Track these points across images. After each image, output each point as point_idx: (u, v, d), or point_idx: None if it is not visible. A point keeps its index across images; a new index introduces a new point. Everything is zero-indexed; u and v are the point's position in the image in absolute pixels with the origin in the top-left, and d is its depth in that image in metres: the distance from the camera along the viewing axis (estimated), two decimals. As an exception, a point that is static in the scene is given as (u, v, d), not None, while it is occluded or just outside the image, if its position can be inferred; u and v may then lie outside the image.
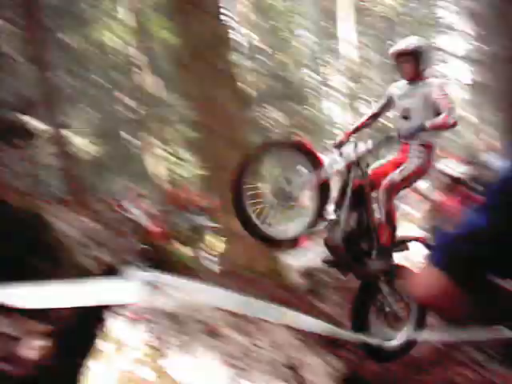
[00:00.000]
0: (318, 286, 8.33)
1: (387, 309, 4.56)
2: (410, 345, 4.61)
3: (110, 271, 4.13)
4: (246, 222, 3.82)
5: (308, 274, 8.58)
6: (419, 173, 4.45)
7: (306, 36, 25.94)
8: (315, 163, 4.11)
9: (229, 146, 7.38)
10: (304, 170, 4.10)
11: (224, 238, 8.69)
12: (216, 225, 10.32)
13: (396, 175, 4.38)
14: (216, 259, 10.10)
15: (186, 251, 10.91)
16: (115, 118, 20.49)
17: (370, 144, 4.36)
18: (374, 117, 4.78)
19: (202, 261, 10.57)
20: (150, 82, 18.03)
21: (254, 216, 3.84)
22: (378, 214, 4.43)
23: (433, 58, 4.60)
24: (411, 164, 4.41)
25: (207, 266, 9.96)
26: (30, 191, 7.79)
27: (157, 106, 18.29)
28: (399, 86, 4.59)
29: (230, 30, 8.73)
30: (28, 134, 14.26)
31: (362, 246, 4.39)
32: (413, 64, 4.43)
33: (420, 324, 4.62)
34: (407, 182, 4.43)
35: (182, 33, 7.57)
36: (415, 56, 4.43)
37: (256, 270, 7.87)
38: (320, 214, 4.18)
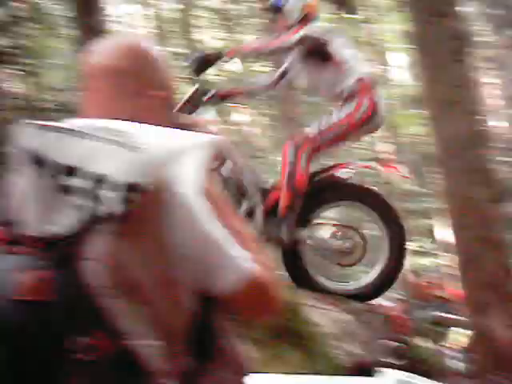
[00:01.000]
0: None
1: (325, 253, 3.79)
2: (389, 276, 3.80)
3: (362, 367, 4.18)
4: None
5: None
6: (348, 123, 3.65)
7: None
8: None
9: (482, 244, 7.18)
10: None
11: (469, 334, 8.29)
12: (460, 318, 9.88)
13: (309, 129, 3.71)
14: (461, 357, 9.65)
15: (430, 347, 10.58)
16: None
17: None
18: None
19: (446, 359, 10.15)
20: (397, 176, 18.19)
21: None
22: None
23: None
24: (332, 116, 3.69)
25: (453, 365, 9.54)
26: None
27: (401, 198, 18.33)
28: None
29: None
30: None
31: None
32: (279, 21, 3.84)
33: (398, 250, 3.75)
34: (326, 135, 3.67)
35: (436, 129, 7.63)
36: (279, 12, 3.85)
37: (508, 374, 7.38)
38: None
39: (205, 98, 3.73)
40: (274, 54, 3.91)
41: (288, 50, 3.67)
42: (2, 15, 9.60)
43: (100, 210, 1.11)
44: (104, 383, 1.13)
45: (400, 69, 21.89)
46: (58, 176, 1.14)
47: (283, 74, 3.84)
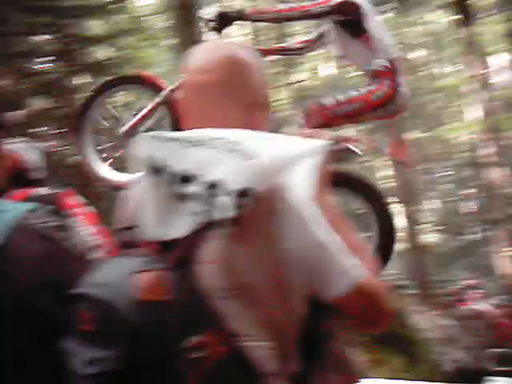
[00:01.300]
0: None
1: None
2: None
3: (466, 373, 4.06)
4: (86, 161, 3.55)
5: None
6: (364, 102, 3.45)
7: None
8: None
9: None
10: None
11: None
12: None
13: (326, 99, 3.49)
14: None
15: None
16: (458, 213, 20.72)
17: None
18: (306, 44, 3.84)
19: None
20: (500, 179, 17.59)
21: (93, 155, 3.57)
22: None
23: None
24: (353, 92, 3.49)
25: None
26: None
27: (506, 202, 17.72)
28: None
29: None
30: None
31: None
32: None
33: None
34: (340, 108, 3.46)
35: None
36: None
37: None
38: None
39: None
40: (304, 19, 3.66)
41: (322, 15, 3.46)
42: (105, 28, 10.02)
43: (214, 215, 1.15)
44: (216, 382, 1.17)
45: (502, 70, 21.19)
46: (175, 183, 1.19)
47: (318, 37, 3.74)
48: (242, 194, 1.13)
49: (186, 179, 1.18)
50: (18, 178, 2.94)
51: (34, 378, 1.33)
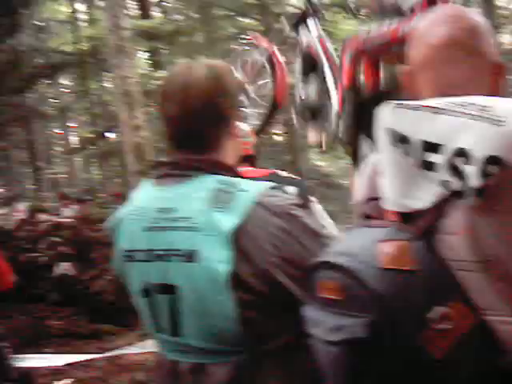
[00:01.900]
0: None
1: None
2: None
3: None
4: None
5: None
6: (392, 34, 3.28)
7: None
8: None
9: None
10: None
11: None
12: None
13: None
14: None
15: None
16: None
17: None
18: None
19: None
20: None
21: None
22: None
23: None
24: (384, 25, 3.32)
25: None
26: None
27: None
28: None
29: None
30: None
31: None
32: None
33: None
34: (372, 41, 3.33)
35: None
36: None
37: None
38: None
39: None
40: None
41: None
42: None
43: (459, 185, 1.12)
44: (461, 355, 1.15)
45: None
46: (419, 153, 1.18)
47: None
48: (491, 162, 1.08)
49: (431, 148, 1.16)
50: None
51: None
